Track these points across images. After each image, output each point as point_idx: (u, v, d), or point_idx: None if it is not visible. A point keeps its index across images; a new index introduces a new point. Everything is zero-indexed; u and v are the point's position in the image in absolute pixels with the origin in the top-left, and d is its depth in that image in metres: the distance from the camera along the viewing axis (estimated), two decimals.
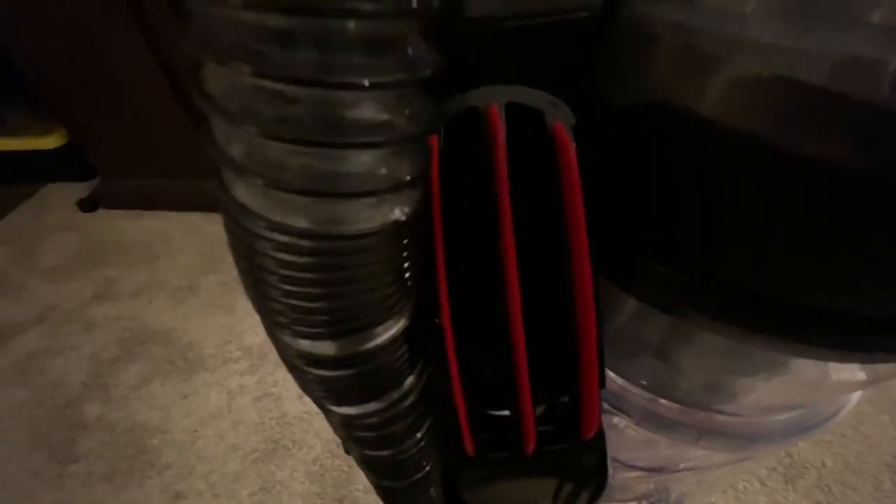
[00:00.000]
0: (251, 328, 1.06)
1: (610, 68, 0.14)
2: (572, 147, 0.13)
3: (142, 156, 1.42)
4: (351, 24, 0.09)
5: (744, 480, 0.74)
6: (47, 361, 1.08)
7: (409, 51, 0.10)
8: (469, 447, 0.17)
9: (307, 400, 0.81)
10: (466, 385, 0.15)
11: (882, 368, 0.21)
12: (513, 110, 0.13)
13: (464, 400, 0.15)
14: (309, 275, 0.12)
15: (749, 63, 0.12)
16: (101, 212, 1.51)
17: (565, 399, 0.17)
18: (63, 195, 1.57)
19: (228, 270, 1.22)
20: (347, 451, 0.29)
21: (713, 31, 0.12)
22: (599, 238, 0.17)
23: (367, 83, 0.09)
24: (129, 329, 1.12)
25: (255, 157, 0.11)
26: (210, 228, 1.38)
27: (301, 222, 0.11)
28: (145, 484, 0.85)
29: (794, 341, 0.15)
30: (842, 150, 0.12)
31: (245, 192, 0.11)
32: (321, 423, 0.87)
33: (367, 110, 0.10)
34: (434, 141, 0.13)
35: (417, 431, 0.20)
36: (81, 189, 1.56)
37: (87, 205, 1.51)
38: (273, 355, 1.00)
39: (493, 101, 0.13)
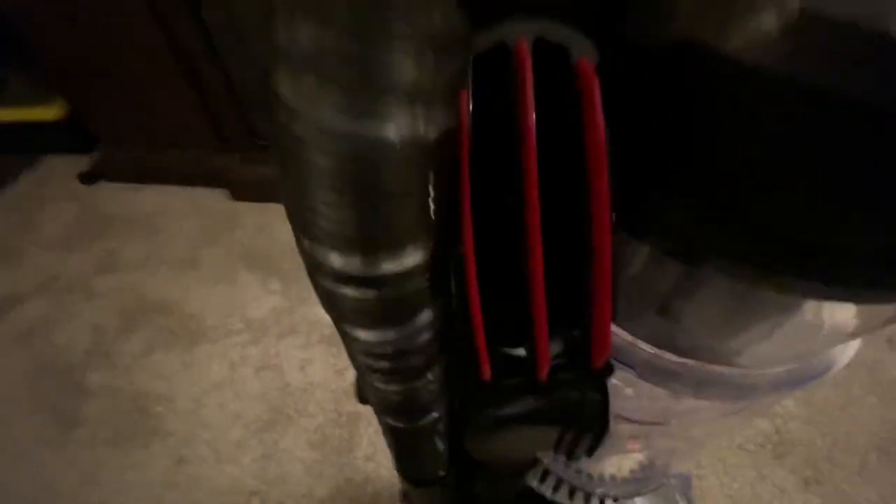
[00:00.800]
0: (253, 300, 1.07)
1: (635, 4, 0.15)
2: (596, 86, 0.13)
3: (143, 128, 1.41)
4: None
5: (733, 455, 0.76)
6: (50, 330, 1.09)
7: None
8: (486, 371, 0.18)
9: (309, 371, 0.84)
10: (486, 317, 0.16)
11: (873, 316, 0.22)
12: (539, 45, 0.14)
13: (483, 324, 0.16)
14: (345, 183, 0.13)
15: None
16: (102, 184, 1.51)
17: (577, 333, 0.18)
18: (64, 167, 1.56)
19: (230, 244, 1.23)
20: (360, 397, 0.30)
21: None
22: (620, 184, 0.17)
23: None
24: (131, 300, 1.13)
25: (307, 54, 0.12)
26: (211, 203, 1.38)
27: (343, 123, 0.12)
28: (149, 448, 0.87)
29: (817, 282, 0.16)
30: (869, 87, 0.12)
31: (294, 93, 0.12)
32: (322, 394, 0.89)
33: (408, 7, 0.11)
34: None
35: (429, 371, 0.21)
36: (82, 161, 1.55)
37: (88, 177, 1.50)
38: (275, 327, 1.02)
39: (521, 35, 0.14)
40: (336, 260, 0.15)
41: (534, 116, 0.14)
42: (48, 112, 1.53)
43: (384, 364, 0.20)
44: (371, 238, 0.15)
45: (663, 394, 0.27)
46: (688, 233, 0.17)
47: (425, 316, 0.18)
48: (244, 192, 1.36)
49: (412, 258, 0.16)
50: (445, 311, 0.19)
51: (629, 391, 0.30)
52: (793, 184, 0.14)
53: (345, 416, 0.86)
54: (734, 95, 0.14)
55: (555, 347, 0.18)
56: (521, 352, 0.19)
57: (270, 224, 1.27)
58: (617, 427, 0.36)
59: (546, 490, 0.46)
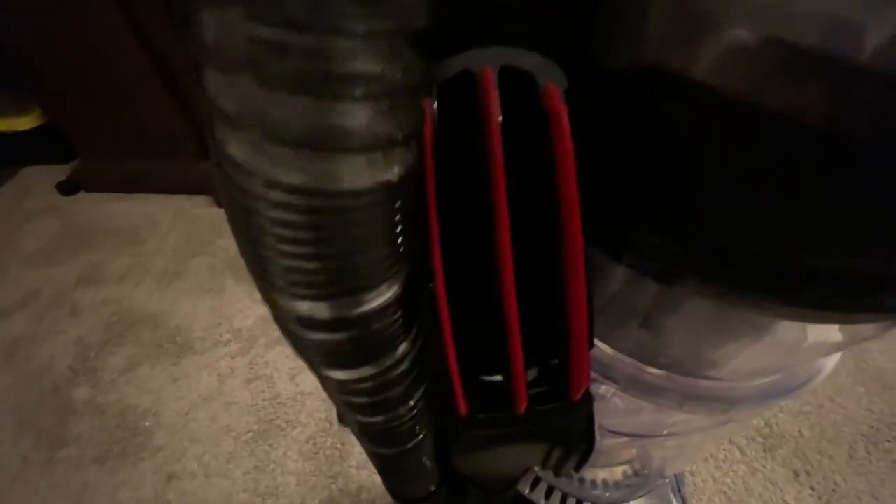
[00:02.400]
0: (240, 311, 1.06)
1: (603, 31, 0.14)
2: (565, 111, 0.13)
3: (122, 136, 1.38)
4: None
5: (724, 450, 0.77)
6: (33, 346, 1.06)
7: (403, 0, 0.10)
8: (462, 407, 0.17)
9: (299, 380, 0.83)
10: (460, 349, 0.16)
11: (858, 330, 0.22)
12: (505, 73, 0.13)
13: (457, 361, 0.16)
14: (303, 233, 0.12)
15: (740, 24, 0.12)
16: (83, 194, 1.48)
17: (556, 362, 0.18)
18: (42, 177, 1.53)
19: (216, 253, 1.21)
20: (342, 421, 0.29)
21: None
22: (592, 206, 0.17)
23: (360, 30, 0.09)
24: (115, 313, 1.11)
25: (250, 109, 0.11)
26: (196, 211, 1.36)
27: (296, 178, 0.11)
28: (138, 466, 0.86)
29: (781, 303, 0.16)
30: (826, 111, 0.12)
31: (239, 148, 0.11)
32: (314, 403, 0.88)
33: (362, 62, 0.10)
34: (427, 105, 0.13)
35: (410, 399, 0.21)
36: (61, 171, 1.51)
37: (68, 187, 1.47)
38: (264, 337, 1.00)
39: (487, 63, 0.13)
40: (301, 307, 0.15)
41: (500, 142, 0.13)
42: (25, 121, 1.49)
43: (364, 399, 0.19)
44: (339, 284, 0.14)
45: (651, 408, 0.27)
46: (660, 255, 0.16)
47: (402, 349, 0.18)
48: None
49: (384, 296, 0.15)
50: (422, 339, 0.19)
51: (619, 405, 0.30)
52: (753, 208, 0.14)
53: (336, 426, 0.85)
54: (698, 121, 0.13)
55: (533, 374, 0.18)
56: (498, 378, 0.19)
57: None
58: (609, 441, 0.35)
59: (538, 497, 0.46)
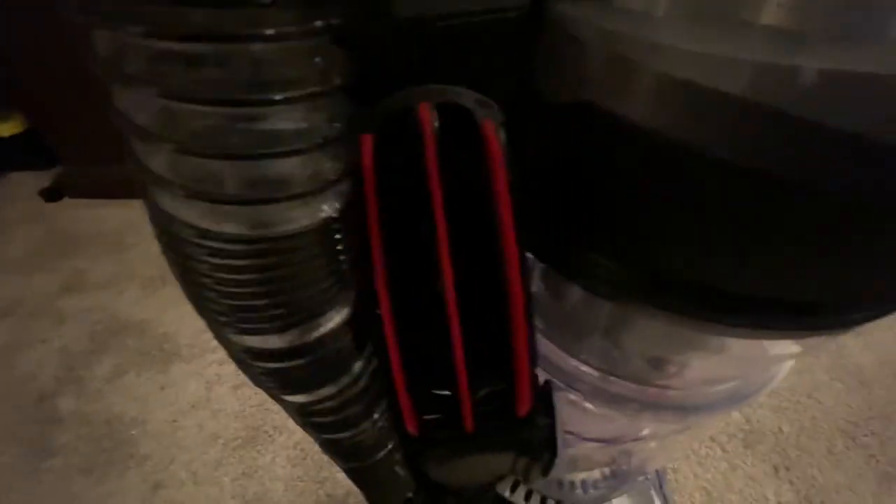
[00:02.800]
0: None
1: (539, 67, 0.15)
2: (498, 144, 0.13)
3: (106, 142, 1.36)
4: (256, 47, 0.09)
5: (705, 446, 0.78)
6: (17, 356, 1.05)
7: (320, 61, 0.10)
8: (412, 427, 0.18)
9: None
10: (409, 368, 0.16)
11: (813, 340, 0.23)
12: (444, 109, 0.14)
13: (404, 385, 0.16)
14: (244, 276, 0.13)
15: (660, 67, 0.12)
16: (66, 201, 1.46)
17: (502, 385, 0.18)
18: (25, 184, 1.51)
19: None
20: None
21: (628, 34, 0.13)
22: (542, 231, 0.18)
23: (278, 98, 0.10)
24: (100, 321, 1.10)
25: (176, 171, 0.11)
26: None
27: (231, 228, 0.12)
28: (125, 475, 0.85)
29: (721, 323, 0.17)
30: (744, 151, 0.13)
31: (171, 203, 0.12)
32: None
33: (284, 121, 0.10)
34: (368, 139, 0.14)
35: (373, 412, 0.21)
36: (44, 178, 1.50)
37: (51, 194, 1.45)
38: None
39: (424, 100, 0.14)
40: (253, 341, 0.15)
41: (438, 170, 0.14)
42: (6, 127, 1.47)
43: (328, 419, 0.19)
44: (287, 318, 0.14)
45: (617, 414, 0.28)
46: (607, 276, 0.17)
47: (357, 366, 0.18)
48: None
49: (333, 321, 0.15)
50: (377, 354, 0.19)
51: (593, 411, 0.31)
52: (686, 237, 0.14)
53: None
54: (628, 155, 0.14)
55: (483, 391, 0.18)
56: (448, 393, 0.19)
57: None
58: (584, 446, 0.36)
59: (518, 499, 0.47)
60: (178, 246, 0.13)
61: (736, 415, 0.81)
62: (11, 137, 1.48)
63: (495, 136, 0.13)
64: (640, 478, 0.54)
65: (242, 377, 0.81)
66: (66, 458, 0.89)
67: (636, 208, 0.15)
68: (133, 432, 0.91)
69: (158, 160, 0.11)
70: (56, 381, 1.00)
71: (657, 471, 0.58)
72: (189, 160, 0.10)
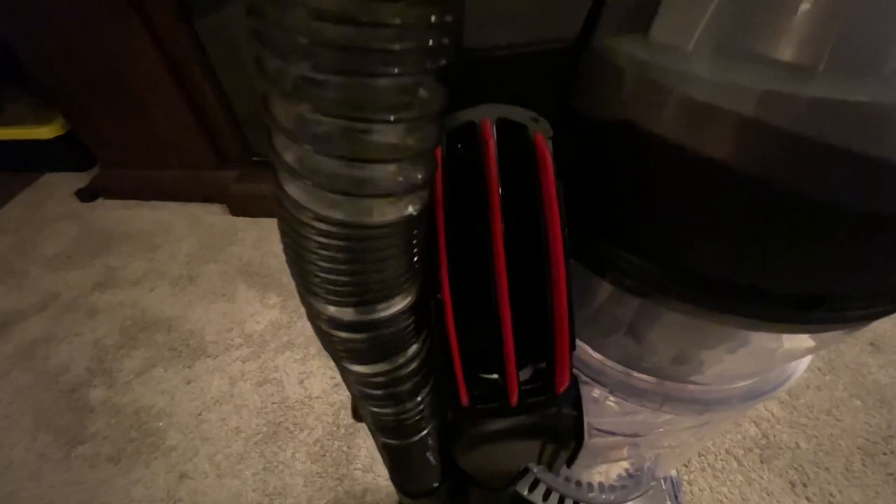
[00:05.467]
0: (251, 316, 1.09)
1: (583, 91, 0.17)
2: (549, 155, 0.16)
3: (141, 146, 1.43)
4: (380, 82, 0.12)
5: (721, 459, 0.78)
6: (51, 348, 1.10)
7: (424, 93, 0.13)
8: (464, 398, 0.20)
9: (308, 384, 0.86)
10: (462, 349, 0.18)
11: (826, 336, 0.24)
12: (502, 124, 0.16)
13: (460, 359, 0.18)
14: (340, 255, 0.16)
15: (687, 92, 0.15)
16: (101, 201, 1.53)
17: (544, 364, 0.20)
18: (62, 185, 1.58)
19: (228, 260, 1.25)
20: (355, 416, 0.32)
21: (661, 65, 0.15)
22: (577, 231, 0.20)
23: (391, 119, 0.12)
24: (131, 317, 1.15)
25: (305, 165, 0.14)
26: (209, 219, 1.40)
27: (338, 215, 0.14)
28: (151, 465, 0.89)
29: (738, 315, 0.19)
30: (759, 166, 0.15)
31: (295, 190, 0.15)
32: (321, 407, 0.91)
33: (389, 137, 0.13)
34: (438, 150, 0.16)
35: (418, 395, 0.24)
36: (80, 179, 1.57)
37: (87, 194, 1.52)
38: (274, 342, 1.04)
39: (486, 116, 0.16)
40: (332, 310, 0.18)
41: (497, 176, 0.16)
42: (47, 130, 1.55)
43: (377, 392, 0.22)
44: (362, 293, 0.17)
45: (641, 410, 0.30)
46: (636, 272, 0.19)
47: (412, 350, 0.21)
48: (242, 207, 1.38)
49: (399, 305, 0.18)
50: (430, 342, 0.22)
51: (613, 407, 0.33)
52: (710, 239, 0.16)
53: (343, 429, 0.87)
54: (657, 167, 0.16)
55: (525, 375, 0.20)
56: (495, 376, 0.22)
57: (268, 239, 1.29)
58: (600, 440, 0.38)
59: (536, 498, 0.48)
60: (296, 227, 0.15)
61: (753, 429, 0.82)
62: (51, 140, 1.56)
63: (546, 148, 0.16)
64: (654, 483, 0.55)
65: (265, 375, 0.86)
66: (95, 446, 0.93)
67: (662, 211, 0.17)
68: (160, 424, 0.94)
69: (292, 155, 0.14)
70: (88, 373, 1.05)
71: (672, 480, 0.59)
72: (314, 157, 0.13)
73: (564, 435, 0.26)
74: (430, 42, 0.12)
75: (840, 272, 0.16)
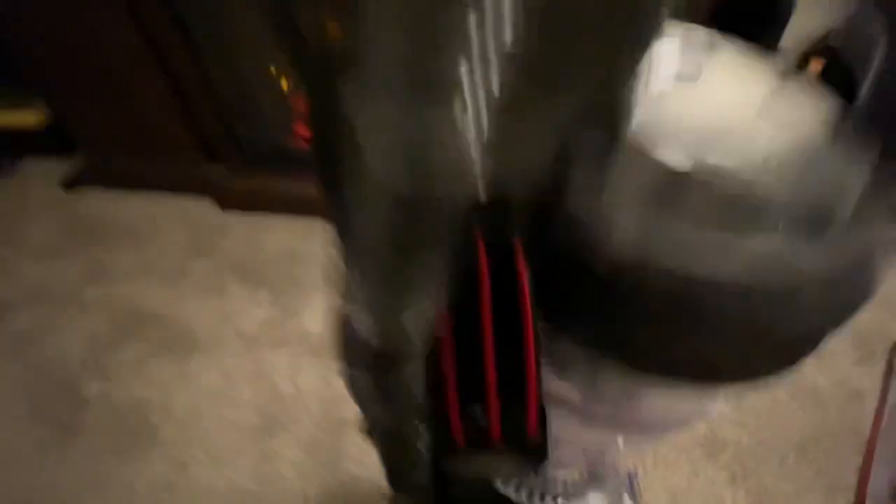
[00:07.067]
0: (243, 312, 1.13)
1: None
2: (526, 273, 0.22)
3: (126, 136, 1.41)
4: None
5: (672, 454, 0.88)
6: (45, 340, 1.12)
7: None
8: (460, 440, 0.26)
9: (299, 380, 0.92)
10: (459, 390, 0.25)
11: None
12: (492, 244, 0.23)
13: (457, 405, 0.25)
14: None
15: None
16: (86, 191, 1.52)
17: (519, 411, 0.27)
18: (45, 173, 1.56)
19: (219, 254, 1.27)
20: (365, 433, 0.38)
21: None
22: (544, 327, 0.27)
23: None
24: (122, 310, 1.17)
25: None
26: (198, 212, 1.40)
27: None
28: (149, 457, 0.93)
29: (665, 377, 0.26)
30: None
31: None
32: (314, 403, 0.97)
33: None
34: None
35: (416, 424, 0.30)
36: (64, 167, 1.55)
37: (70, 183, 1.51)
38: (266, 339, 1.08)
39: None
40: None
41: (489, 290, 0.23)
42: (27, 116, 1.52)
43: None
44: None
45: (594, 429, 0.37)
46: (590, 345, 0.26)
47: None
48: (232, 201, 1.39)
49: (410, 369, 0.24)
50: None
51: (573, 424, 0.40)
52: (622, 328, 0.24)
53: (334, 423, 0.94)
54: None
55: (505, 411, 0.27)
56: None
57: (258, 235, 1.31)
58: (564, 450, 0.45)
59: (510, 491, 0.56)
60: None
61: (702, 427, 0.91)
62: (33, 126, 1.53)
63: (524, 269, 0.22)
64: (614, 476, 0.63)
65: (258, 370, 0.92)
66: (91, 438, 0.97)
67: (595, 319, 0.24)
68: (155, 417, 0.99)
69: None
70: (82, 366, 1.08)
71: (629, 473, 0.68)
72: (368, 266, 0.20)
73: (532, 450, 0.33)
74: None
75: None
